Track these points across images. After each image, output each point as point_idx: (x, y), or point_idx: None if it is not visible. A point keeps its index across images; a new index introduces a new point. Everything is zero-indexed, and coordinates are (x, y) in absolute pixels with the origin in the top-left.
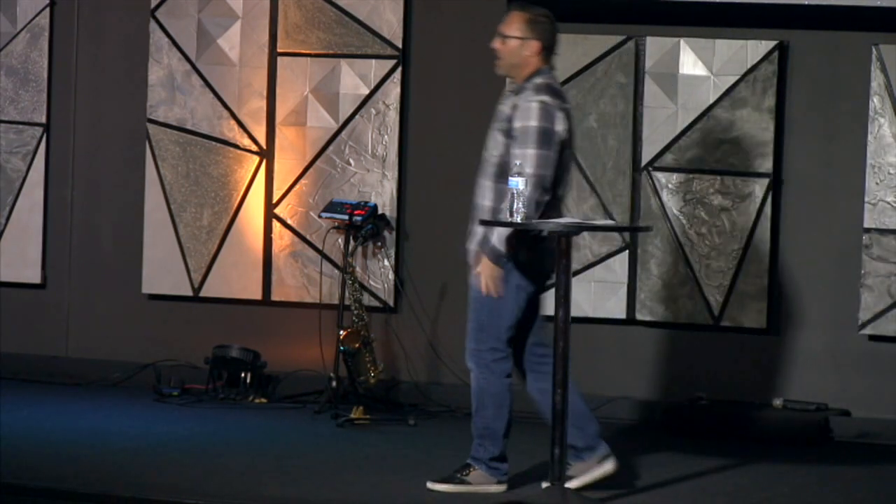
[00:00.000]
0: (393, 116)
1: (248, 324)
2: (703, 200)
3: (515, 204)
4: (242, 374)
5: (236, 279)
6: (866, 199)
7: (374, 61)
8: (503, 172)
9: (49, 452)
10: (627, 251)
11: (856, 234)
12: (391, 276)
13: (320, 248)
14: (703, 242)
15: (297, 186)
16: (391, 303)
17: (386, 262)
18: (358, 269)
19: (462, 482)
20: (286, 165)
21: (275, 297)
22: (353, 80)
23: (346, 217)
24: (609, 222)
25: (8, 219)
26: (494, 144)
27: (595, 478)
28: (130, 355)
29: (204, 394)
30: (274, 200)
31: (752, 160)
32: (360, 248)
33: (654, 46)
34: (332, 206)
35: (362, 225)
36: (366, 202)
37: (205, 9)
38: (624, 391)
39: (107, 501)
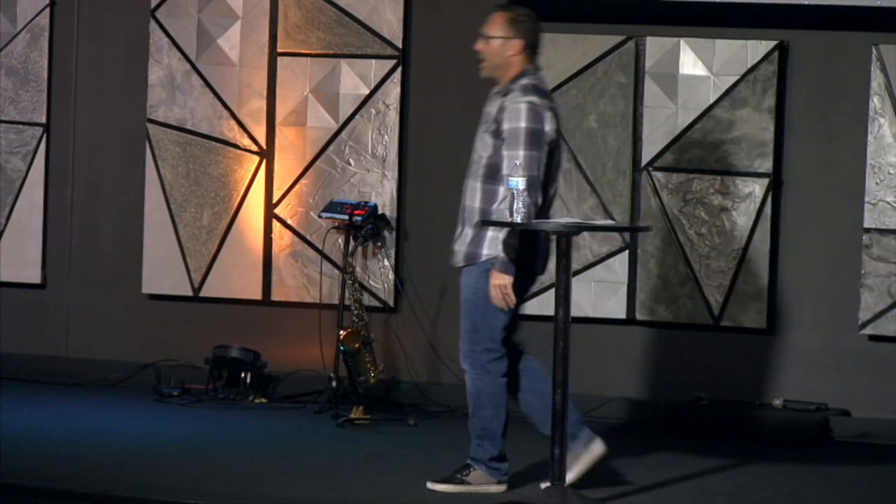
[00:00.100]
0: (393, 116)
1: (248, 324)
2: (703, 200)
3: (515, 204)
4: (242, 374)
5: (236, 279)
6: (866, 199)
7: (374, 61)
8: (492, 174)
9: (49, 452)
10: (627, 251)
11: (856, 234)
12: (391, 276)
13: (320, 248)
14: (703, 242)
15: (297, 186)
16: (391, 303)
17: (386, 262)
18: (358, 269)
19: (462, 482)
20: (286, 165)
21: (275, 297)
22: (353, 80)
23: (346, 217)
24: (609, 222)
25: (8, 219)
26: (483, 146)
27: (588, 463)
28: (130, 355)
29: (204, 394)
30: (274, 200)
31: (752, 160)
32: (360, 248)
33: (654, 46)
34: (332, 206)
35: (362, 225)
36: (366, 202)
37: (205, 9)
38: (624, 391)
39: (107, 501)
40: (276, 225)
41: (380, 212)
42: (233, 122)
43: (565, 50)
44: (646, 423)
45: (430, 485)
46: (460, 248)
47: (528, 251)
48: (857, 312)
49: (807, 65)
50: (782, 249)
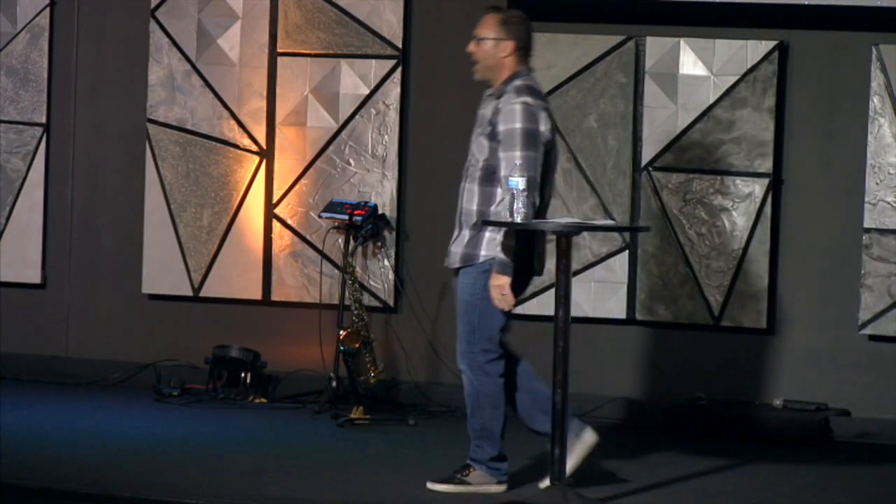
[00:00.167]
0: (393, 116)
1: (248, 324)
2: (703, 200)
3: (515, 204)
4: (242, 374)
5: (236, 279)
6: (866, 199)
7: (374, 61)
8: (488, 176)
9: (49, 452)
10: (627, 251)
11: (856, 234)
12: (391, 276)
13: (320, 248)
14: (703, 242)
15: (297, 186)
16: (391, 303)
17: (386, 262)
18: (358, 269)
19: (462, 482)
20: (286, 165)
21: (275, 297)
22: (353, 80)
23: (346, 217)
24: (609, 222)
25: (8, 219)
26: (478, 149)
27: (581, 454)
28: (130, 355)
29: (204, 394)
30: (274, 200)
31: (752, 160)
32: (360, 248)
33: (654, 46)
34: (332, 206)
35: (362, 225)
36: (366, 202)
37: (205, 9)
38: (624, 391)
39: (107, 501)
40: (276, 225)
41: (380, 212)
42: (233, 122)
43: (565, 50)
44: (646, 423)
45: (430, 485)
46: (457, 249)
47: (526, 252)
48: (857, 312)
49: (807, 65)
50: (782, 249)
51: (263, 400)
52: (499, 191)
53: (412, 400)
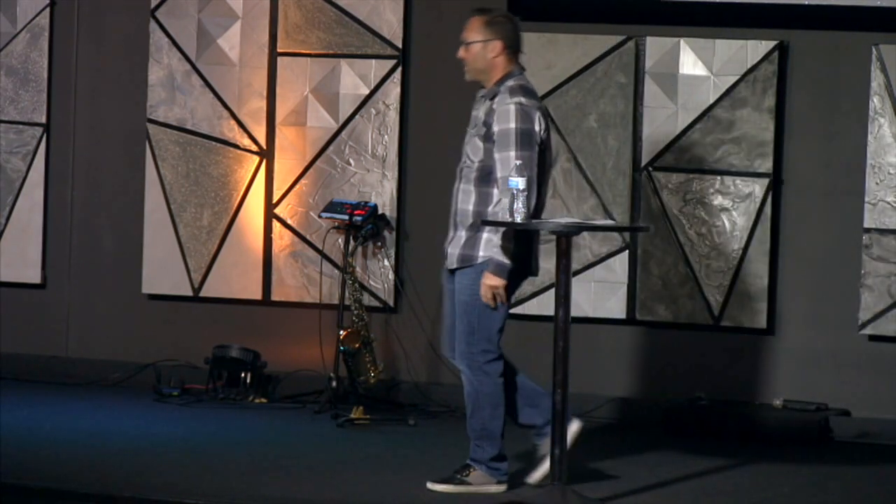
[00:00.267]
0: (393, 116)
1: (248, 324)
2: (703, 200)
3: (515, 204)
4: (242, 374)
5: (236, 279)
6: (866, 199)
7: (374, 61)
8: (484, 177)
9: (49, 452)
10: (627, 251)
11: (856, 234)
12: (391, 276)
13: (320, 248)
14: (703, 242)
15: (297, 186)
16: (391, 303)
17: (386, 262)
18: (358, 269)
19: (462, 483)
20: (286, 165)
21: (275, 297)
22: (353, 80)
23: (346, 217)
24: (609, 222)
25: (8, 219)
26: (473, 150)
27: (569, 443)
28: (130, 355)
29: (204, 394)
30: (274, 200)
31: (752, 160)
32: (360, 248)
33: (654, 46)
34: (332, 206)
35: (362, 225)
36: (366, 202)
37: (205, 9)
38: (624, 391)
39: (107, 501)
40: (276, 225)
41: (380, 212)
42: (233, 122)
43: (565, 50)
44: (646, 423)
45: (430, 485)
46: (454, 250)
47: (525, 252)
48: (857, 312)
49: (807, 65)
50: (782, 249)
51: (263, 400)
52: (495, 191)
53: (412, 400)
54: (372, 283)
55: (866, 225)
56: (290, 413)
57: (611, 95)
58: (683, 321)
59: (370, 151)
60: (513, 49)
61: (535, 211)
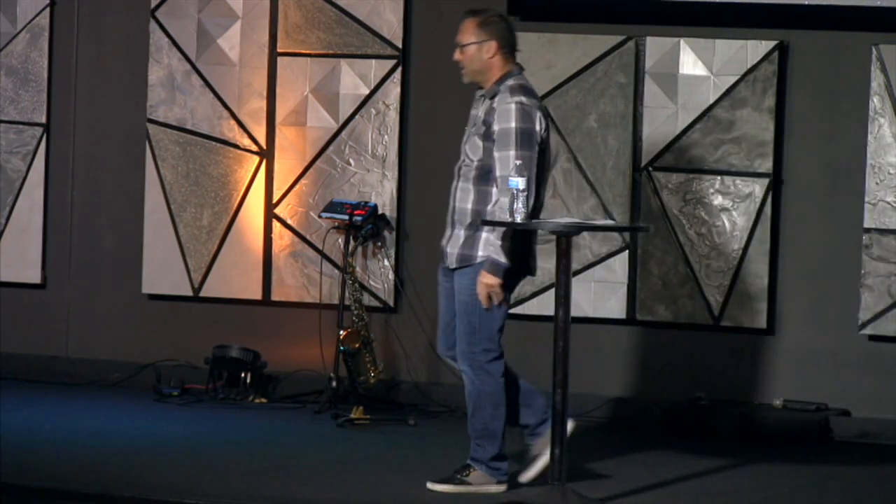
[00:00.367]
0: (393, 116)
1: (248, 324)
2: (703, 200)
3: (515, 204)
4: (242, 374)
5: (236, 279)
6: (866, 199)
7: (374, 61)
8: (483, 175)
9: (49, 452)
10: (627, 251)
11: (856, 234)
12: (391, 276)
13: (320, 248)
14: (703, 242)
15: (297, 186)
16: (391, 303)
17: (386, 262)
18: (358, 269)
19: (462, 483)
20: (286, 165)
21: (275, 297)
22: (353, 80)
23: (346, 217)
24: (609, 222)
25: (8, 219)
26: (472, 149)
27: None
28: (130, 355)
29: (204, 394)
30: (274, 200)
31: (752, 160)
32: (360, 248)
33: (654, 46)
34: (332, 206)
35: (362, 225)
36: (366, 202)
37: (205, 9)
38: (624, 391)
39: (107, 501)
40: (276, 225)
41: (380, 212)
42: (233, 122)
43: (565, 50)
44: (646, 423)
45: (430, 485)
46: (453, 249)
47: (523, 251)
48: (857, 312)
49: (807, 65)
50: (782, 249)
51: (263, 400)
52: (494, 190)
53: (412, 400)
54: (372, 283)
55: (866, 225)
56: (290, 413)
57: (611, 95)
58: (683, 321)
59: (370, 151)
60: (508, 48)
61: (534, 211)
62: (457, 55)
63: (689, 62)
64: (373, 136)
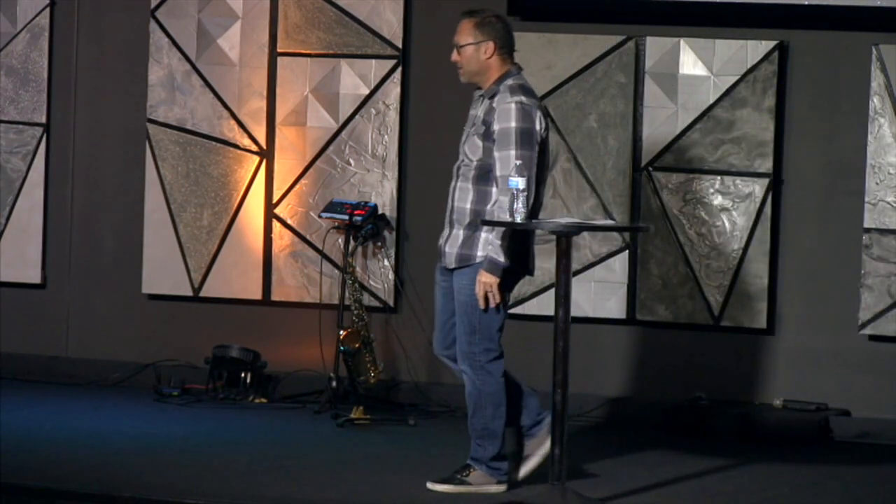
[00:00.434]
0: (393, 116)
1: (248, 324)
2: (703, 200)
3: (515, 204)
4: (242, 374)
5: (236, 279)
6: (866, 199)
7: (374, 61)
8: (483, 175)
9: (49, 452)
10: (627, 251)
11: (856, 234)
12: (391, 276)
13: (320, 248)
14: (703, 242)
15: (297, 186)
16: (391, 303)
17: (386, 262)
18: (358, 269)
19: (462, 483)
20: (286, 165)
21: (275, 297)
22: (353, 80)
23: (346, 217)
24: (609, 222)
25: (8, 219)
26: (472, 149)
27: (545, 452)
28: (130, 355)
29: (204, 394)
30: (274, 200)
31: (752, 160)
32: (360, 248)
33: (654, 46)
34: (332, 206)
35: (362, 225)
36: (366, 202)
37: (205, 9)
38: (624, 391)
39: (107, 501)
40: (276, 225)
41: (380, 212)
42: (233, 122)
43: (565, 50)
44: (646, 423)
45: (430, 485)
46: (452, 249)
47: (522, 251)
48: (857, 312)
49: (807, 65)
50: (782, 249)
51: (263, 400)
52: (494, 190)
53: (412, 400)
54: (372, 283)
55: (866, 225)
56: (290, 413)
57: (611, 95)
58: (683, 321)
59: (370, 151)
60: (506, 48)
61: (533, 210)
62: (454, 56)
63: (689, 62)
64: (373, 136)
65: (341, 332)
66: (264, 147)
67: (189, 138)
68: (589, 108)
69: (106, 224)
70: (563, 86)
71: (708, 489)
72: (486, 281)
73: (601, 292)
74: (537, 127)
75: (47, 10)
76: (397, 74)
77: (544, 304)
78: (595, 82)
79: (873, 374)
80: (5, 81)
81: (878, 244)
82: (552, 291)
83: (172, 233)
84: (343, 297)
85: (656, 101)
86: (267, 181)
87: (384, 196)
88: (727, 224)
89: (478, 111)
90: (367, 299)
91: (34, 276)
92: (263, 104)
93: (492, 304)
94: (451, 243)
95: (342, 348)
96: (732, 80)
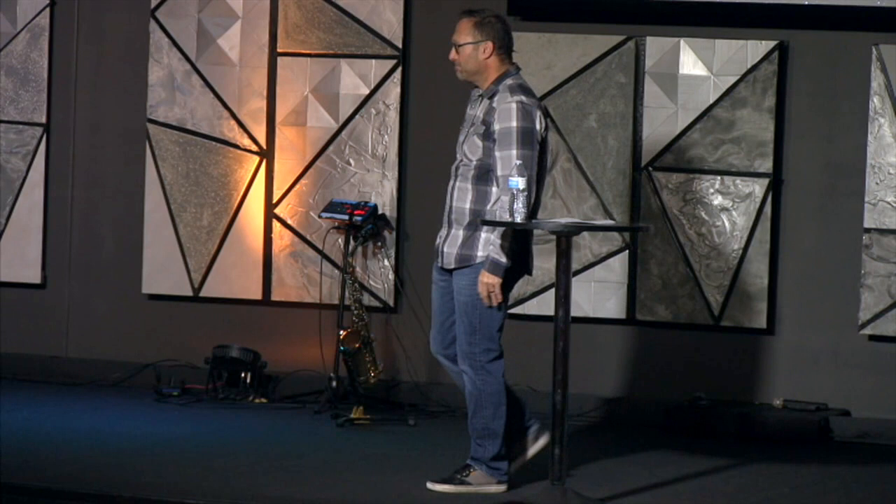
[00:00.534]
0: (393, 116)
1: (248, 324)
2: (703, 200)
3: (515, 204)
4: (242, 374)
5: (236, 279)
6: (866, 199)
7: (374, 61)
8: (482, 175)
9: (49, 452)
10: (627, 251)
11: (856, 234)
12: (391, 276)
13: (320, 248)
14: (703, 242)
15: (297, 186)
16: (391, 303)
17: (386, 262)
18: (358, 269)
19: (462, 483)
20: (286, 165)
21: (275, 297)
22: (353, 80)
23: (346, 217)
24: (609, 222)
25: (8, 219)
26: (471, 149)
27: (539, 448)
28: (130, 355)
29: (204, 394)
30: (274, 200)
31: (752, 160)
32: (360, 248)
33: (654, 46)
34: (332, 206)
35: (362, 225)
36: (366, 202)
37: (205, 9)
38: (624, 391)
39: (107, 501)
40: (276, 225)
41: (380, 212)
42: (233, 122)
43: (565, 50)
44: (646, 423)
45: (430, 485)
46: (451, 249)
47: (522, 251)
48: (857, 312)
49: (807, 65)
50: (782, 249)
51: (263, 400)
52: (494, 189)
53: (412, 400)
54: (372, 283)
55: (866, 225)
56: (290, 413)
57: (611, 95)
58: (683, 321)
59: (370, 151)
60: (505, 49)
61: (532, 210)
62: (452, 55)
63: (689, 62)
64: (373, 136)
65: (341, 332)
66: (264, 147)
67: (189, 138)
68: (589, 108)
69: (106, 224)
70: (563, 86)
71: (708, 489)
72: (489, 282)
73: (601, 292)
74: (538, 127)
75: (47, 10)
76: (397, 74)
77: (544, 304)
78: (595, 82)
79: (873, 374)
80: (5, 81)
81: (878, 244)
82: (552, 291)
83: (172, 233)
84: (343, 297)
85: (656, 101)
86: (267, 181)
87: (384, 196)
88: (727, 224)
89: (476, 111)
90: (367, 299)
91: (34, 276)
92: (263, 104)
93: (495, 303)
94: (451, 243)
95: (342, 348)
96: (732, 80)
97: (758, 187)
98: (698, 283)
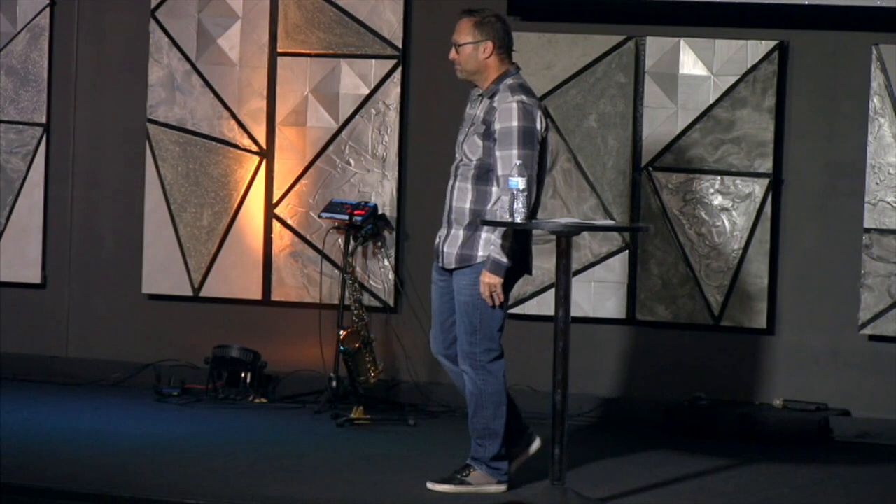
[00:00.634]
0: (393, 116)
1: (248, 324)
2: (703, 200)
3: (515, 204)
4: (242, 374)
5: (236, 279)
6: (866, 199)
7: (374, 61)
8: (482, 175)
9: (49, 452)
10: (627, 251)
11: (856, 234)
12: (391, 276)
13: (320, 248)
14: (703, 242)
15: (297, 186)
16: (391, 303)
17: (386, 262)
18: (358, 269)
19: (462, 483)
20: (286, 165)
21: (275, 297)
22: (353, 80)
23: (346, 217)
24: (609, 222)
25: (8, 219)
26: (471, 148)
27: (527, 457)
28: (130, 355)
29: (204, 394)
30: (274, 200)
31: (752, 160)
32: (360, 248)
33: (654, 46)
34: (332, 206)
35: (362, 225)
36: (366, 202)
37: (205, 9)
38: (624, 391)
39: (107, 501)
40: (276, 225)
41: (380, 212)
42: (233, 122)
43: (565, 50)
44: (646, 423)
45: (430, 485)
46: (451, 249)
47: (522, 251)
48: (857, 312)
49: (807, 65)
50: (782, 249)
51: (263, 400)
52: (494, 189)
53: (412, 400)
54: (372, 283)
55: (866, 225)
56: (290, 413)
57: (611, 95)
58: (683, 321)
59: (370, 151)
60: (504, 49)
61: (532, 210)
62: (452, 54)
63: (689, 62)
64: (373, 136)
65: (341, 332)
66: (264, 147)
67: (189, 138)
68: (589, 108)
69: (106, 224)
70: (563, 86)
71: (708, 489)
72: (490, 282)
73: (601, 292)
74: (538, 126)
75: (47, 10)
76: (397, 74)
77: (544, 304)
78: (595, 82)
79: (873, 374)
80: (5, 81)
81: (878, 244)
82: (552, 291)
83: (172, 233)
84: (343, 297)
85: (656, 101)
86: (267, 181)
87: (384, 196)
88: (727, 224)
89: (477, 110)
90: (367, 299)
91: (34, 276)
92: (263, 104)
93: (496, 303)
94: (451, 243)
95: (342, 348)
96: (732, 80)
97: (758, 187)
98: (698, 283)
